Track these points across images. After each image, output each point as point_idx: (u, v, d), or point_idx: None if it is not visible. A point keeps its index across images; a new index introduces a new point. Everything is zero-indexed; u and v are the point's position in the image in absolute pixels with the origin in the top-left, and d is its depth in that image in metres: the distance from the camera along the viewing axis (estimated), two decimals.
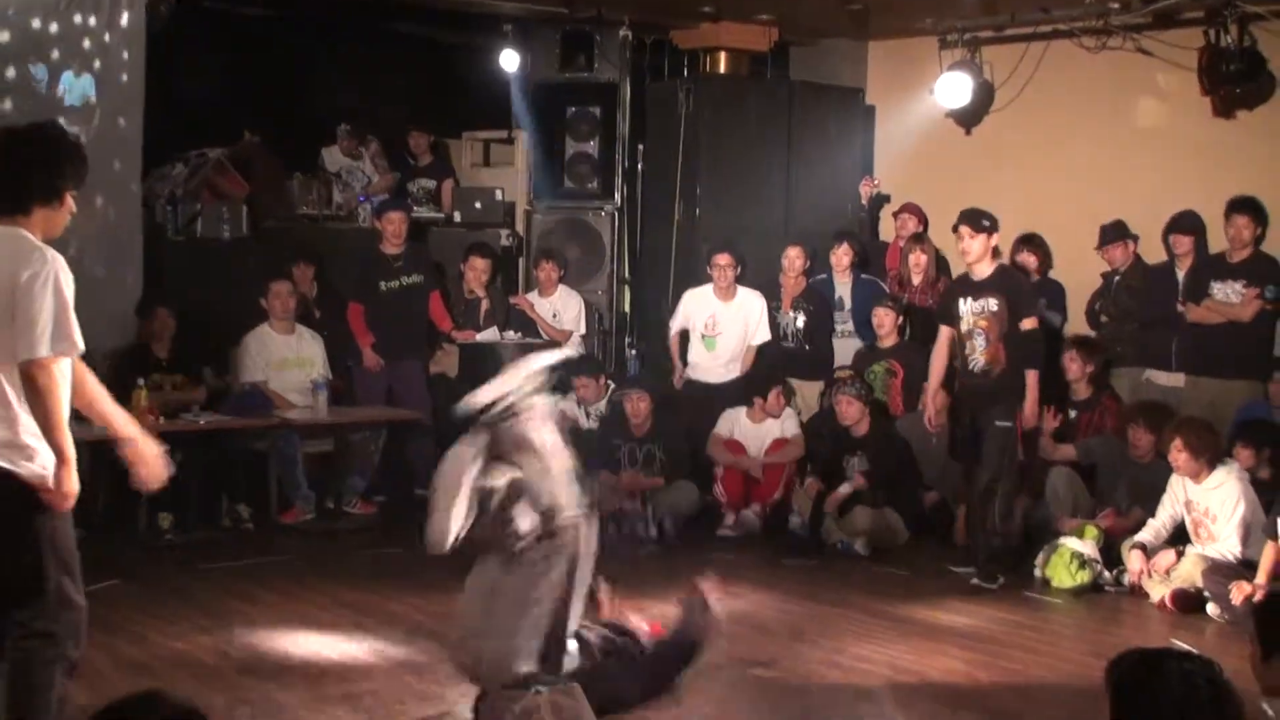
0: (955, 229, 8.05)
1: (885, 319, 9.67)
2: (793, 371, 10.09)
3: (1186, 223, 9.09)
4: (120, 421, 5.05)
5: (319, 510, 9.66)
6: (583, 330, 10.82)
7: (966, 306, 8.02)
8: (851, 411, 9.12)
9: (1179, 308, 8.97)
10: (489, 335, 10.43)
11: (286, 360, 9.78)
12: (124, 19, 9.72)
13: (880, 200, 10.84)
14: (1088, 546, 8.07)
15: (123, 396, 8.73)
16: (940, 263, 10.11)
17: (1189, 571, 7.64)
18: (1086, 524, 8.30)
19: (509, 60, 11.20)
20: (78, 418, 4.84)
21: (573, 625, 4.67)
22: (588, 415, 10.06)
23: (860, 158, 11.22)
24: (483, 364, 10.26)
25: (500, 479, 4.62)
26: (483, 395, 4.76)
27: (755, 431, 9.64)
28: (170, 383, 9.35)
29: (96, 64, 9.64)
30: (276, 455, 9.49)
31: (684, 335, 10.27)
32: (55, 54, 9.45)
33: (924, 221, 10.29)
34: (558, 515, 4.64)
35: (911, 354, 9.62)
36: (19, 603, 4.68)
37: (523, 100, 11.59)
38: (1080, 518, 8.45)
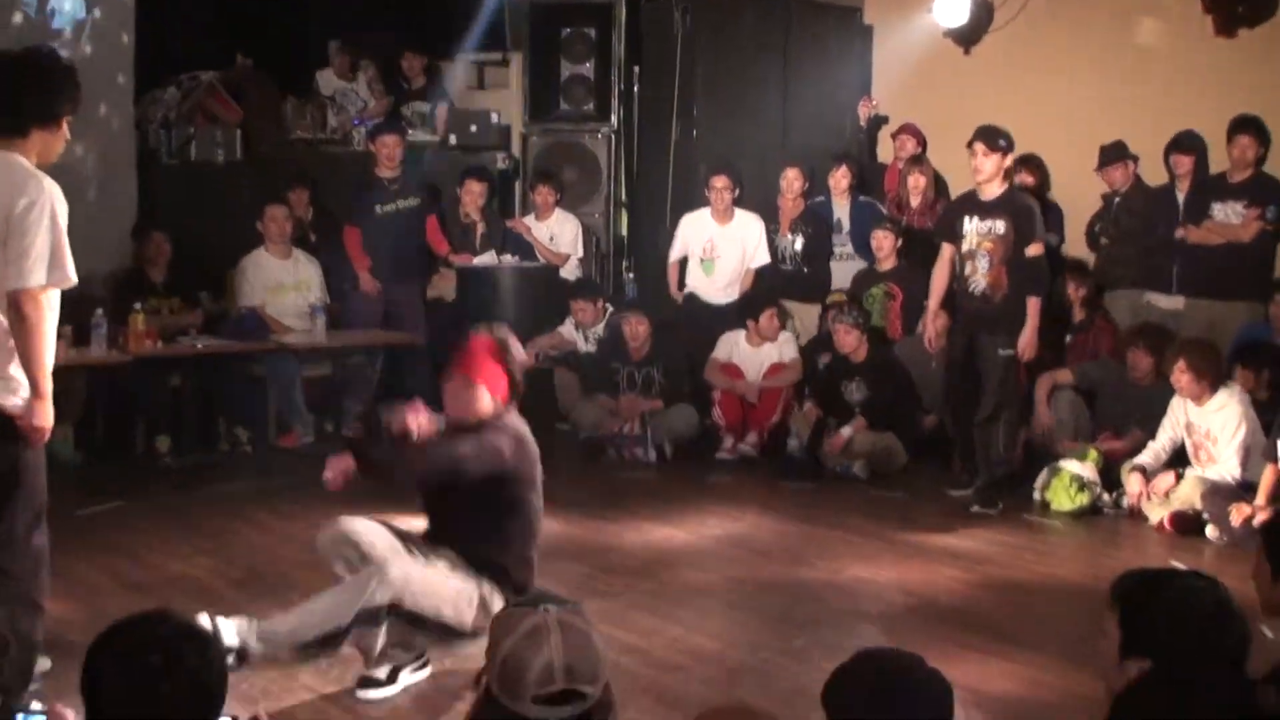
0: (969, 145, 7.96)
1: (884, 241, 9.62)
2: (791, 294, 10.06)
3: (1187, 142, 9.02)
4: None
5: (317, 433, 9.65)
6: (579, 253, 10.76)
7: (971, 226, 7.95)
8: (849, 340, 9.08)
9: (1178, 233, 8.91)
10: (486, 259, 10.37)
11: (283, 284, 9.75)
12: None
13: (878, 121, 10.75)
14: (1087, 469, 8.07)
15: (120, 320, 8.75)
16: (939, 184, 10.05)
17: (1188, 494, 7.64)
18: (1086, 447, 8.31)
19: None
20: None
21: None
22: (586, 339, 10.04)
23: (858, 78, 11.12)
24: (480, 288, 10.24)
25: None
26: None
27: (753, 355, 9.61)
28: (167, 306, 9.33)
29: None
30: (274, 379, 9.47)
31: (683, 262, 10.23)
32: None
33: (922, 143, 10.21)
34: None
35: (910, 276, 9.58)
36: None
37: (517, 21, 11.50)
38: (1080, 441, 8.45)
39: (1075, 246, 9.67)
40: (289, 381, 9.48)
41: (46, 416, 4.55)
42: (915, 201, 9.91)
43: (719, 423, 9.48)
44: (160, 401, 9.18)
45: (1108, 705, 2.91)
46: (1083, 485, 8.00)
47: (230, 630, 4.82)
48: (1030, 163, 9.69)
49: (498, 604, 4.99)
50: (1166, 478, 7.81)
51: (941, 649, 5.46)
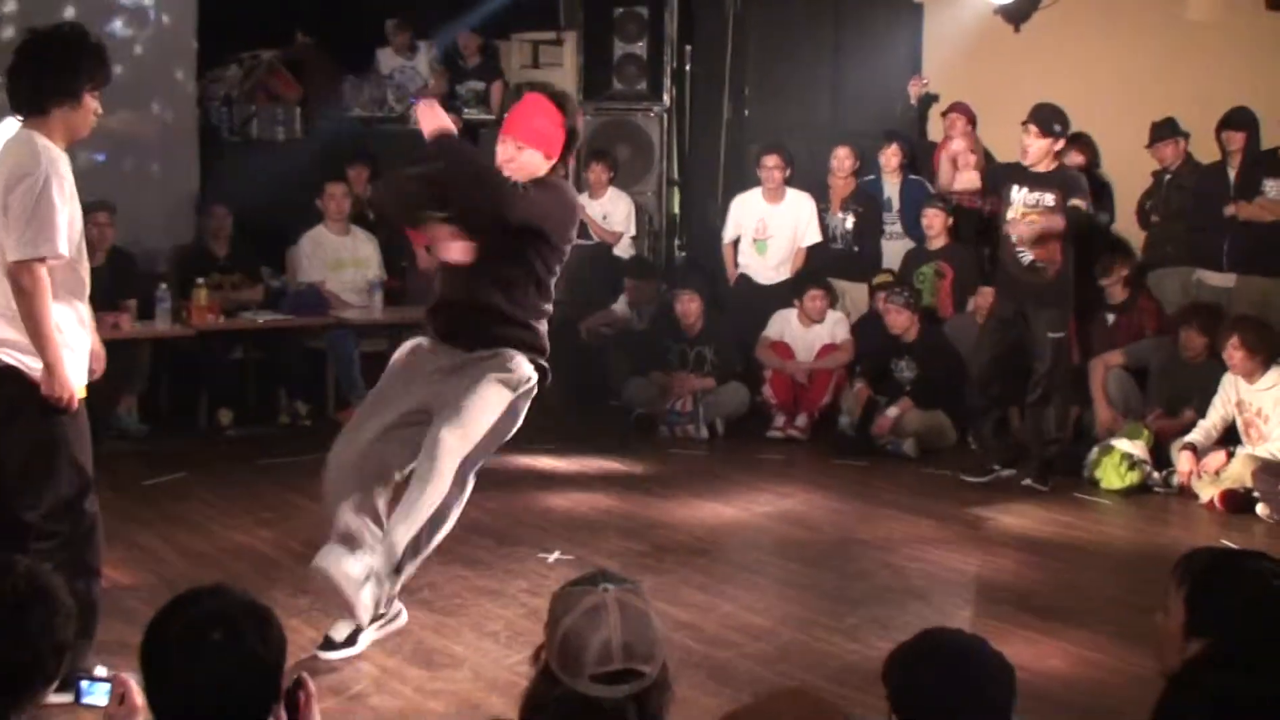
0: (1024, 123, 7.87)
1: (935, 220, 9.50)
2: (842, 273, 9.97)
3: (1239, 119, 8.86)
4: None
5: None
6: (632, 231, 10.71)
7: (1019, 195, 7.85)
8: (900, 320, 8.99)
9: (1229, 210, 8.77)
10: None
11: (342, 260, 9.74)
12: None
13: (929, 100, 10.62)
14: (1137, 447, 7.98)
15: (184, 295, 8.79)
16: (988, 162, 9.92)
17: (1238, 472, 7.54)
18: (1137, 425, 8.20)
19: None
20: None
21: None
22: (639, 317, 9.99)
23: (908, 57, 10.98)
24: None
25: None
26: None
27: (804, 335, 9.54)
28: (229, 281, 9.35)
29: None
30: (333, 354, 9.48)
31: (736, 242, 10.17)
32: None
33: (973, 121, 10.09)
34: None
35: (960, 255, 9.49)
36: (29, 503, 4.65)
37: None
38: (1130, 419, 8.34)
39: (1125, 224, 9.53)
40: (347, 356, 9.49)
41: (58, 385, 4.54)
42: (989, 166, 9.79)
43: (770, 401, 9.42)
44: (222, 375, 9.21)
45: (1165, 681, 2.85)
46: (1133, 463, 7.90)
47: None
48: (1080, 140, 9.55)
49: (526, 370, 4.95)
50: (1217, 456, 7.71)
51: (992, 626, 5.43)
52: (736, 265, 10.13)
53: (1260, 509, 7.37)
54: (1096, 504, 7.77)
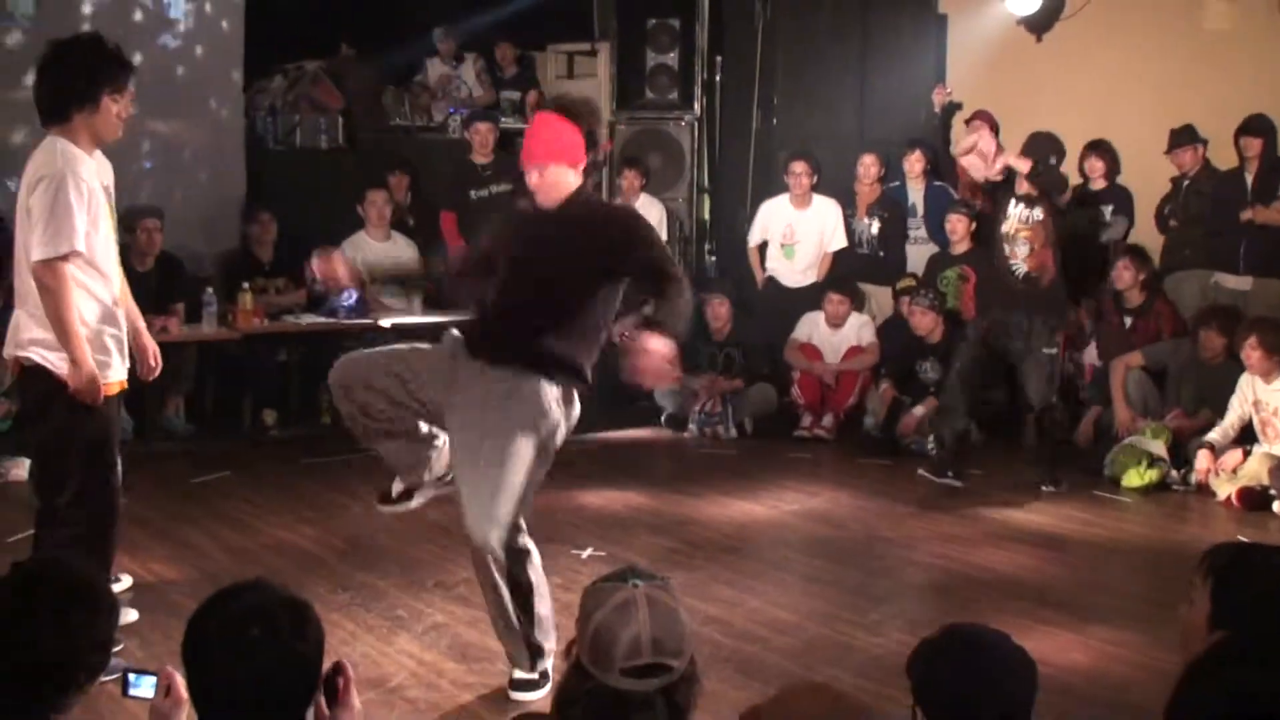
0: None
1: (958, 225, 9.46)
2: (868, 277, 9.96)
3: (1257, 125, 8.79)
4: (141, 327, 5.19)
5: None
6: (664, 237, 10.69)
7: (1016, 210, 7.81)
8: (925, 321, 8.96)
9: (1246, 214, 8.70)
10: None
11: (383, 266, 9.74)
12: None
13: (952, 108, 10.56)
14: (1157, 446, 7.93)
15: (229, 298, 8.82)
16: (1011, 172, 9.87)
17: (1255, 470, 7.49)
18: (1155, 425, 8.15)
19: None
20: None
21: None
22: None
23: (933, 66, 10.93)
24: None
25: None
26: None
27: (831, 337, 9.52)
28: (273, 286, 9.38)
29: None
30: None
31: (762, 246, 10.15)
32: None
33: (995, 129, 10.04)
34: None
35: (984, 259, 9.44)
36: (49, 491, 4.72)
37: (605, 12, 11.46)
38: (1149, 419, 8.29)
39: (1144, 229, 9.48)
40: None
41: (83, 380, 4.56)
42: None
43: (798, 402, 9.40)
44: (267, 376, 9.24)
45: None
46: (1152, 462, 7.86)
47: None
48: (1100, 148, 9.52)
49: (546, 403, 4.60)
50: (1234, 454, 7.67)
51: (1014, 622, 5.37)
52: (763, 268, 10.11)
53: (1277, 506, 7.33)
54: (1116, 502, 7.72)
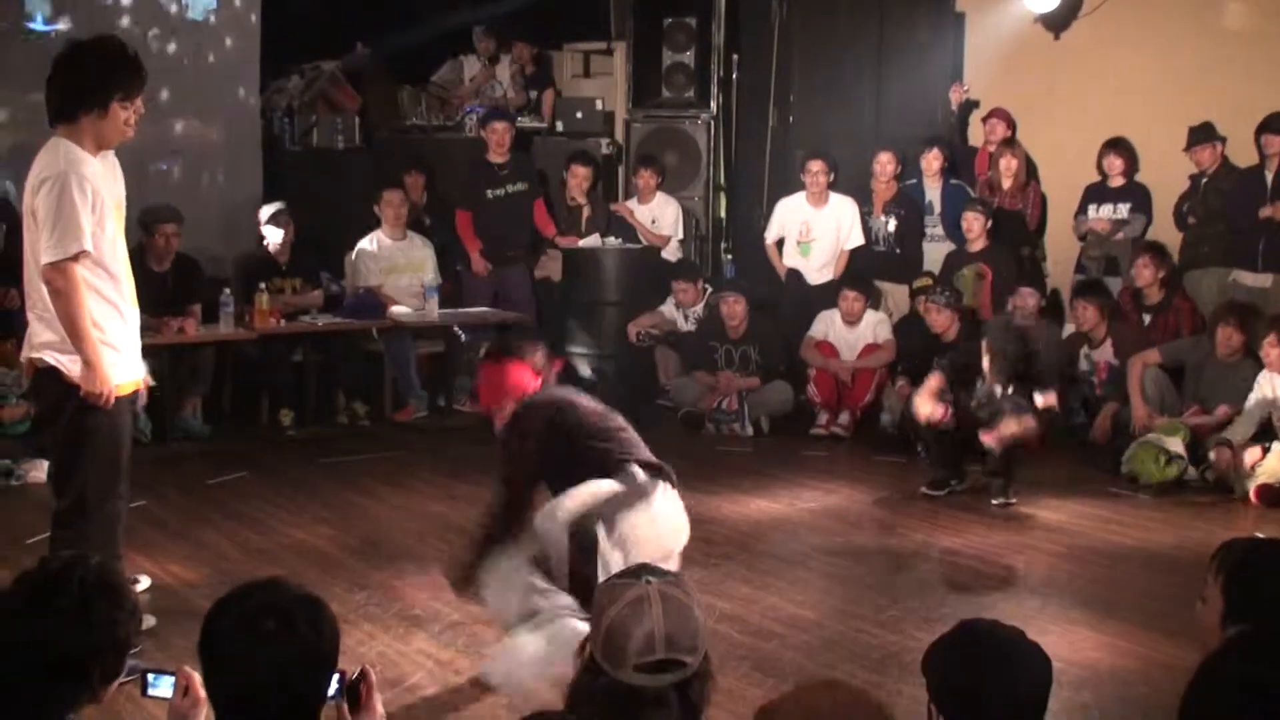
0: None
1: (974, 223, 9.45)
2: (884, 274, 9.96)
3: (1278, 124, 8.79)
4: None
5: (431, 408, 9.71)
6: (680, 235, 10.72)
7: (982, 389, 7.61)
8: (941, 320, 8.92)
9: (1265, 212, 8.68)
10: (591, 241, 10.36)
11: (398, 265, 9.79)
12: None
13: (970, 106, 10.58)
14: (1175, 443, 7.91)
15: (246, 299, 8.86)
16: (1030, 167, 9.89)
17: (1274, 466, 7.46)
18: (1173, 421, 8.13)
19: None
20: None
21: None
22: (686, 318, 10.00)
23: (950, 64, 10.93)
24: (585, 268, 10.24)
25: None
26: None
27: (847, 335, 9.52)
28: (290, 286, 9.40)
29: None
30: (390, 356, 9.53)
31: (779, 244, 10.15)
32: None
33: (1013, 127, 10.05)
34: None
35: (1000, 257, 9.45)
36: (56, 492, 4.74)
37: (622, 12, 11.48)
38: (1167, 415, 8.27)
39: (1163, 226, 9.46)
40: (404, 358, 9.54)
41: (96, 381, 4.57)
42: (1007, 184, 9.77)
43: (814, 399, 9.40)
44: (283, 377, 9.27)
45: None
46: (1170, 459, 7.84)
47: None
48: (1119, 146, 9.52)
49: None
50: (1253, 451, 7.63)
51: (1030, 618, 5.39)
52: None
53: None
54: (1133, 499, 7.70)
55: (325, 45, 11.16)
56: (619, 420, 5.12)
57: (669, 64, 11.28)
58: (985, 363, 7.53)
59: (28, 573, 2.84)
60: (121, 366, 4.71)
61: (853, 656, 5.13)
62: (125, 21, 9.40)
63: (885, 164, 9.93)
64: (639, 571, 2.72)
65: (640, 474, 4.90)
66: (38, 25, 9.18)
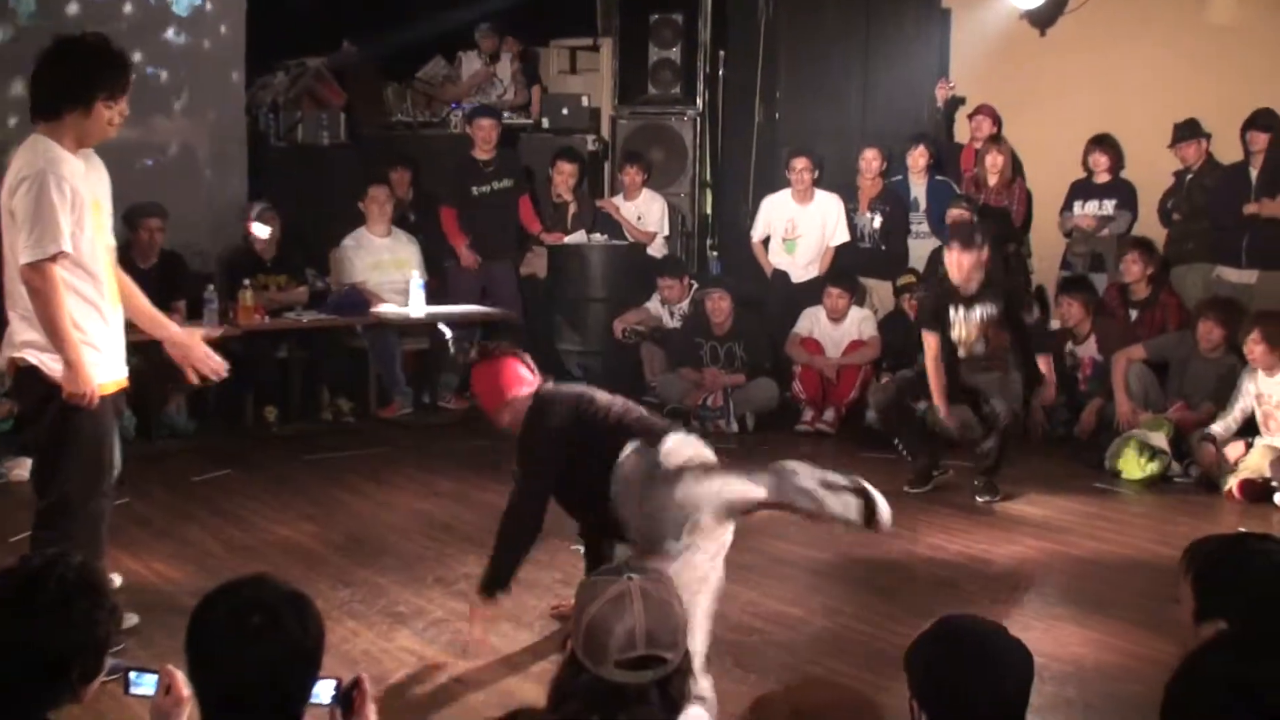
0: (948, 245, 7.66)
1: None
2: (870, 271, 9.98)
3: (1264, 120, 8.81)
4: (156, 318, 5.04)
5: (416, 405, 9.70)
6: (666, 232, 10.72)
7: (959, 315, 7.56)
8: None
9: (1250, 208, 8.71)
10: (577, 237, 10.37)
11: (384, 261, 9.78)
12: None
13: (955, 103, 10.59)
14: (1158, 439, 7.94)
15: (230, 296, 8.84)
16: (1015, 164, 9.90)
17: (1257, 462, 7.50)
18: (1157, 417, 8.16)
19: None
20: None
21: None
22: (671, 315, 10.00)
23: (936, 61, 10.95)
24: (571, 265, 10.24)
25: None
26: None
27: (833, 331, 9.53)
28: (275, 283, 9.39)
29: None
30: (375, 353, 9.52)
31: (765, 241, 10.17)
32: None
33: (998, 123, 10.06)
34: None
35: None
36: (39, 491, 4.73)
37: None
38: (1151, 411, 8.30)
39: (1147, 223, 9.49)
40: (389, 355, 9.53)
41: (77, 382, 4.54)
42: (993, 180, 9.77)
43: (799, 396, 9.42)
44: (268, 373, 9.25)
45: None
46: (1154, 454, 7.87)
47: None
48: (1104, 143, 9.54)
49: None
50: (1236, 447, 7.68)
51: (1014, 614, 5.43)
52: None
53: (1278, 498, 7.34)
54: (1117, 494, 7.74)
55: (311, 42, 11.14)
56: (633, 404, 5.15)
57: (655, 60, 11.28)
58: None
59: (7, 571, 2.83)
60: (103, 366, 4.67)
61: (836, 652, 5.13)
62: (107, 17, 9.35)
63: (871, 160, 9.95)
64: (620, 568, 2.72)
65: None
66: (22, 20, 9.14)
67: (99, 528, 4.77)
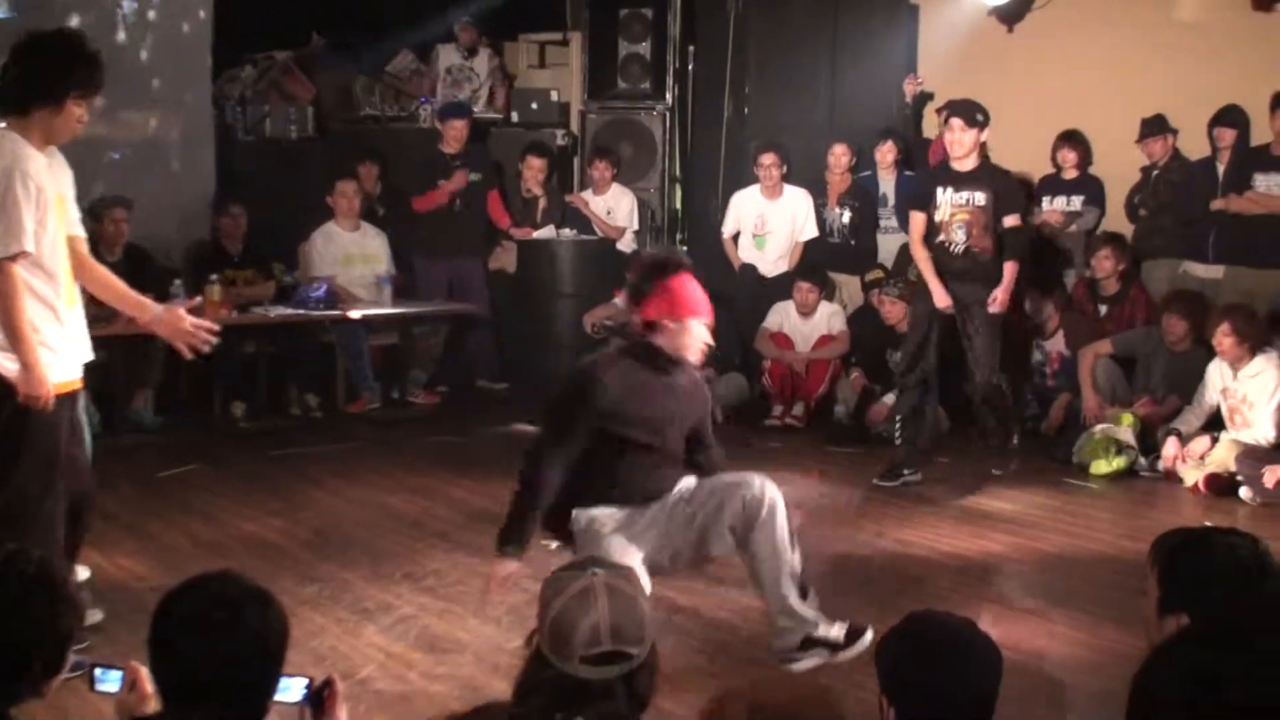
0: (947, 120, 7.74)
1: None
2: (839, 266, 9.99)
3: (1231, 116, 8.85)
4: (138, 301, 4.94)
5: (384, 400, 9.67)
6: (635, 227, 10.70)
7: (945, 196, 7.60)
8: (894, 311, 8.98)
9: (1217, 204, 8.74)
10: (546, 232, 10.34)
11: (352, 256, 9.73)
12: None
13: (924, 98, 10.60)
14: (1125, 433, 7.97)
15: (198, 290, 8.77)
16: (984, 160, 9.88)
17: (1222, 456, 7.54)
18: (1124, 412, 8.19)
19: None
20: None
21: None
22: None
23: (904, 57, 10.95)
24: (540, 260, 10.21)
25: None
26: None
27: (802, 326, 9.54)
28: (242, 277, 9.34)
29: None
30: (343, 347, 9.48)
31: (736, 236, 10.16)
32: None
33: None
34: None
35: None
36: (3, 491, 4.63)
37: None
38: (1118, 406, 8.33)
39: (1115, 218, 9.52)
40: (357, 350, 9.49)
41: (33, 384, 4.48)
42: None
43: (768, 390, 9.42)
44: (235, 368, 9.20)
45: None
46: (1120, 449, 7.91)
47: None
48: (1072, 139, 9.56)
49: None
50: (1202, 441, 7.72)
51: (981, 608, 5.43)
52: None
53: (1243, 492, 7.38)
54: (1084, 488, 7.76)
55: (279, 35, 11.07)
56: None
57: (625, 55, 11.25)
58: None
59: None
60: (57, 366, 4.62)
61: None
62: (77, 9, 9.29)
63: (840, 156, 9.95)
64: (586, 563, 2.71)
65: None
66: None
67: (54, 525, 4.71)
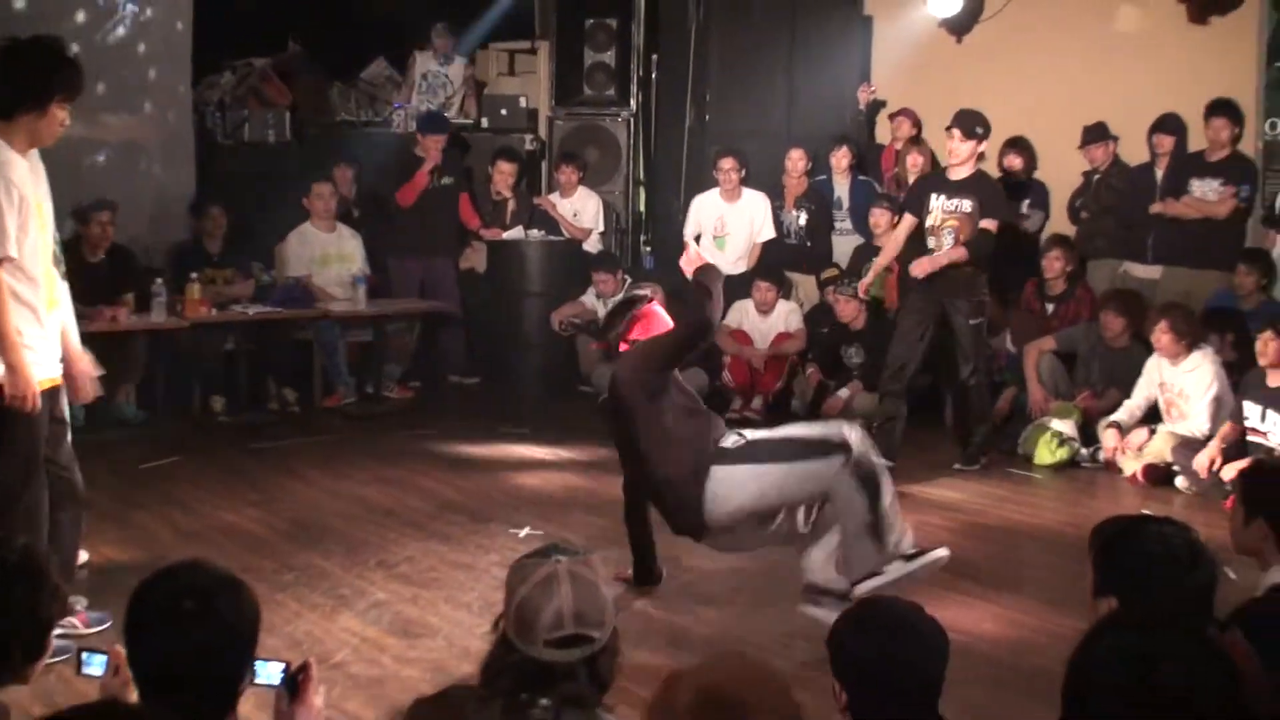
0: (949, 129, 7.83)
1: (881, 218, 9.49)
2: (795, 266, 10.01)
3: (1170, 124, 8.93)
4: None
5: (359, 395, 9.64)
6: (601, 228, 10.70)
7: (938, 203, 7.75)
8: (849, 309, 9.02)
9: (1156, 207, 8.81)
10: (515, 233, 10.32)
11: (328, 256, 9.70)
12: None
13: (877, 106, 10.64)
14: (1067, 426, 8.03)
15: (178, 289, 8.75)
16: (935, 164, 9.94)
17: (1159, 448, 7.59)
18: (1066, 405, 8.25)
19: None
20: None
21: None
22: (606, 308, 9.97)
23: (858, 66, 10.99)
24: (509, 260, 10.20)
25: None
26: None
27: (760, 324, 9.56)
28: (221, 277, 9.30)
29: None
30: (320, 344, 9.45)
31: (697, 239, 10.16)
32: None
33: (918, 125, 10.11)
34: None
35: (906, 251, 9.48)
36: None
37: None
38: (1060, 399, 8.38)
39: (1058, 222, 9.57)
40: (333, 347, 9.46)
41: (19, 385, 4.46)
42: (913, 180, 9.80)
43: (728, 385, 9.44)
44: (215, 364, 9.18)
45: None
46: (1063, 441, 7.96)
47: None
48: (1018, 145, 9.60)
49: None
50: (1140, 433, 7.78)
51: (930, 593, 5.40)
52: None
53: (1179, 481, 7.45)
54: (1028, 479, 7.82)
55: (257, 42, 11.03)
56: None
57: (591, 63, 11.26)
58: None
59: None
60: (39, 365, 4.60)
61: (761, 631, 5.15)
62: (53, 12, 9.22)
63: (796, 161, 9.97)
64: (549, 550, 2.72)
65: None
66: None
67: (37, 517, 4.69)
